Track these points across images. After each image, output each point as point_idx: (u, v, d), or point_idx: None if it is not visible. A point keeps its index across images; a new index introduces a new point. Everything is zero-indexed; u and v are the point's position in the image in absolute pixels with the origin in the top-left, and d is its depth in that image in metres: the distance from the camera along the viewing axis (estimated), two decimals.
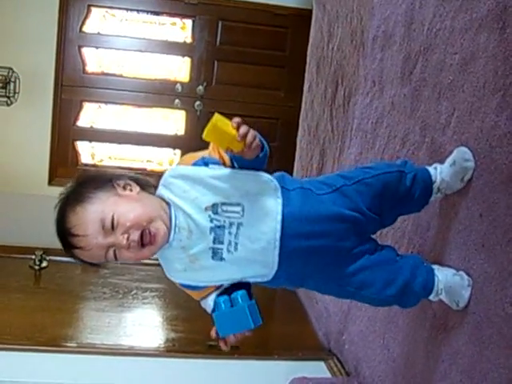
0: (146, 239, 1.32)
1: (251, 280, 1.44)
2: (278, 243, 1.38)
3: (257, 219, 1.36)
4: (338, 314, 2.75)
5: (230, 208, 1.35)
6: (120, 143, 4.83)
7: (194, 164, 1.37)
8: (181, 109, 4.78)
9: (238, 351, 2.78)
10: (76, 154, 4.79)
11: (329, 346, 2.92)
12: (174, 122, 4.85)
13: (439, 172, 1.64)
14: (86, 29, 4.59)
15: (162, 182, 1.40)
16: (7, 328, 2.90)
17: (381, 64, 2.39)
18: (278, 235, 1.37)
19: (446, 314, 1.72)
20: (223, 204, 1.35)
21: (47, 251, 3.80)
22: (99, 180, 1.39)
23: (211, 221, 1.35)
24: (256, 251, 1.38)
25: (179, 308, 3.29)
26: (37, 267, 3.92)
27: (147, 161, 4.88)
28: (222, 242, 1.36)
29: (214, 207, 1.34)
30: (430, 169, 1.66)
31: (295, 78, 4.39)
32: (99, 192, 1.34)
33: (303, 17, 4.38)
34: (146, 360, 2.77)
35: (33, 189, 4.52)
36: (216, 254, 1.37)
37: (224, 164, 1.37)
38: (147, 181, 1.44)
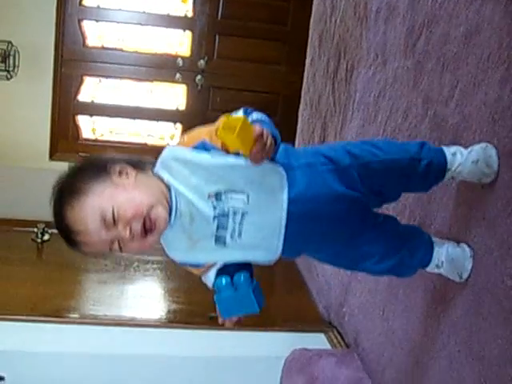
0: (147, 226, 1.28)
1: (253, 261, 1.43)
2: (283, 230, 1.35)
3: (262, 207, 1.32)
4: (339, 286, 2.76)
5: (234, 196, 1.30)
6: (121, 117, 4.82)
7: (195, 147, 1.30)
8: (182, 83, 4.76)
9: (239, 323, 2.81)
10: (77, 128, 4.77)
11: (329, 318, 2.95)
12: (174, 96, 4.83)
13: (458, 163, 1.54)
14: (85, 2, 4.54)
15: (160, 160, 1.35)
16: (11, 299, 2.93)
17: (384, 37, 2.38)
18: (283, 222, 1.34)
19: (445, 286, 1.73)
20: (227, 192, 1.30)
21: (49, 224, 3.81)
22: (93, 169, 1.32)
23: (214, 208, 1.30)
24: (260, 238, 1.35)
25: (180, 280, 3.32)
26: (39, 240, 3.94)
27: (148, 135, 4.87)
28: (225, 229, 1.32)
29: (218, 195, 1.30)
30: (448, 154, 1.56)
31: (297, 53, 4.36)
32: (94, 183, 1.28)
33: None
34: (148, 331, 2.79)
35: (34, 163, 4.52)
36: (219, 240, 1.34)
37: (227, 151, 1.29)
38: (143, 161, 1.38)
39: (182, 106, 4.84)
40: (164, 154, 1.34)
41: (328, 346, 2.73)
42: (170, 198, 1.32)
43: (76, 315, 2.90)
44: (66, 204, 1.27)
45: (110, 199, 1.26)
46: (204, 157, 1.29)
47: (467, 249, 1.61)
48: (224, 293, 1.34)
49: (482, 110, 1.59)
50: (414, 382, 1.93)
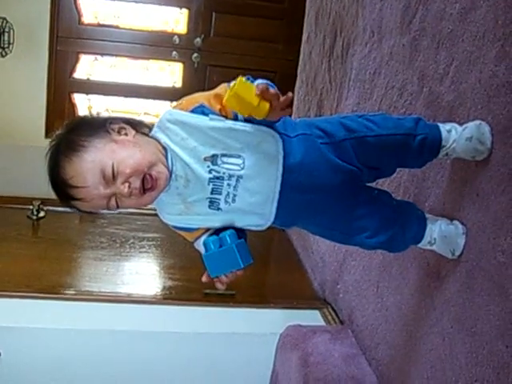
0: (147, 184, 1.29)
1: (246, 227, 1.43)
2: (277, 196, 1.36)
3: (257, 172, 1.33)
4: (333, 263, 2.78)
5: (230, 160, 1.31)
6: (117, 95, 4.80)
7: (193, 111, 1.30)
8: (178, 61, 4.74)
9: (234, 299, 2.83)
10: (73, 106, 4.76)
11: (323, 295, 2.96)
12: (171, 74, 4.81)
13: (453, 140, 1.54)
14: None
15: (158, 123, 1.35)
16: (6, 276, 2.94)
17: (380, 14, 2.36)
18: (277, 189, 1.35)
19: (438, 262, 1.74)
20: (223, 155, 1.31)
21: (45, 201, 3.82)
22: (92, 125, 1.33)
23: (210, 171, 1.31)
24: (254, 204, 1.36)
25: (176, 257, 3.33)
26: (34, 217, 3.95)
27: (144, 113, 4.86)
28: (220, 193, 1.34)
29: (214, 158, 1.31)
30: (443, 130, 1.55)
31: (294, 31, 4.33)
32: (94, 139, 1.29)
33: None
34: (144, 307, 2.80)
35: (30, 141, 4.49)
36: (213, 204, 1.35)
37: (225, 116, 1.31)
38: (141, 122, 1.40)
39: (179, 84, 4.83)
40: (162, 116, 1.35)
41: (322, 323, 2.75)
42: (167, 159, 1.33)
43: (72, 292, 2.92)
44: (65, 158, 1.27)
45: (111, 154, 1.27)
46: (202, 119, 1.30)
47: (460, 226, 1.61)
48: (210, 250, 1.33)
49: (476, 88, 1.59)
50: (406, 358, 1.95)
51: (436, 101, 1.82)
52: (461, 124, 1.59)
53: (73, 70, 4.66)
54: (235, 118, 1.31)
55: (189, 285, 3.02)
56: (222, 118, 1.30)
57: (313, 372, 2.20)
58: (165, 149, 1.34)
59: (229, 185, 1.33)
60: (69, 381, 2.47)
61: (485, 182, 1.52)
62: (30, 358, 2.49)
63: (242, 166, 1.32)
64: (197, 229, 1.43)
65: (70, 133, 1.32)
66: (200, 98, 1.33)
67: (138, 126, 1.36)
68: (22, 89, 4.55)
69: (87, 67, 4.70)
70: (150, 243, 3.54)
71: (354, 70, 2.67)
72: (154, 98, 4.83)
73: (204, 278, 1.35)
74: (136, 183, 1.28)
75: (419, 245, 1.63)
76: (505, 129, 1.45)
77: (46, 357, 2.52)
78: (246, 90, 1.18)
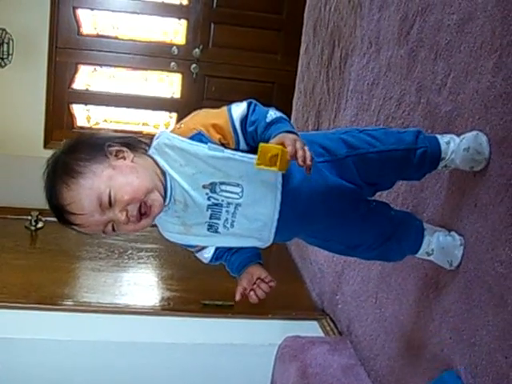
0: (142, 210, 1.28)
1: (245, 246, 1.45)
2: (275, 223, 1.36)
3: (256, 201, 1.33)
4: (332, 274, 2.77)
5: (228, 188, 1.31)
6: (116, 106, 4.81)
7: (191, 138, 1.28)
8: (177, 72, 4.75)
9: (232, 310, 2.82)
10: (71, 116, 4.77)
11: (322, 305, 2.96)
12: (169, 84, 4.82)
13: (451, 151, 1.55)
14: None
15: (155, 145, 1.34)
16: (4, 287, 2.92)
17: (378, 25, 2.38)
18: (275, 217, 1.35)
19: (437, 273, 1.74)
20: (222, 183, 1.30)
21: (43, 212, 3.81)
22: (90, 148, 1.31)
23: (208, 198, 1.31)
24: (252, 229, 1.37)
25: (174, 268, 3.32)
26: (33, 228, 3.93)
27: (143, 124, 4.87)
28: (218, 218, 1.34)
29: (213, 186, 1.30)
30: (442, 143, 1.56)
31: (292, 42, 4.34)
32: (92, 164, 1.27)
33: None
34: (142, 318, 2.79)
35: (28, 151, 4.49)
36: (211, 227, 1.36)
37: (224, 145, 1.29)
38: (139, 140, 1.38)
39: (177, 95, 4.84)
40: (160, 139, 1.33)
41: (321, 334, 2.74)
42: (165, 183, 1.32)
43: (70, 302, 2.90)
44: (62, 184, 1.26)
45: (108, 181, 1.25)
46: (200, 148, 1.28)
47: (457, 237, 1.62)
48: None
49: (474, 98, 1.59)
50: (405, 369, 1.94)
51: (434, 111, 1.82)
52: (458, 135, 1.59)
53: (72, 80, 4.67)
54: (236, 149, 1.30)
55: (187, 296, 3.01)
56: (221, 148, 1.28)
57: (311, 383, 2.20)
58: (163, 172, 1.32)
59: (227, 211, 1.33)
60: None
61: (483, 192, 1.53)
62: (28, 369, 2.49)
63: (240, 194, 1.32)
64: (197, 245, 1.45)
65: (67, 155, 1.30)
66: (198, 124, 1.30)
67: (136, 147, 1.34)
68: (21, 99, 4.56)
69: (86, 78, 4.71)
70: (149, 254, 3.53)
71: (352, 81, 2.68)
72: (152, 109, 4.84)
73: (237, 297, 1.39)
74: (133, 211, 1.27)
75: (417, 255, 1.64)
76: (502, 139, 1.45)
77: (43, 368, 2.51)
78: (284, 159, 1.16)
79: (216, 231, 1.36)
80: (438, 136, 1.60)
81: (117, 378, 2.57)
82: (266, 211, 1.34)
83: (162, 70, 4.76)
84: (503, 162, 1.45)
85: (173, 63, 4.69)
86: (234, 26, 4.72)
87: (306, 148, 1.18)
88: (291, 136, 1.19)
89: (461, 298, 1.60)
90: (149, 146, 1.36)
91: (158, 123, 4.87)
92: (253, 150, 1.28)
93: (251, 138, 1.30)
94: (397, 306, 2.04)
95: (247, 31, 4.73)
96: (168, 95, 4.84)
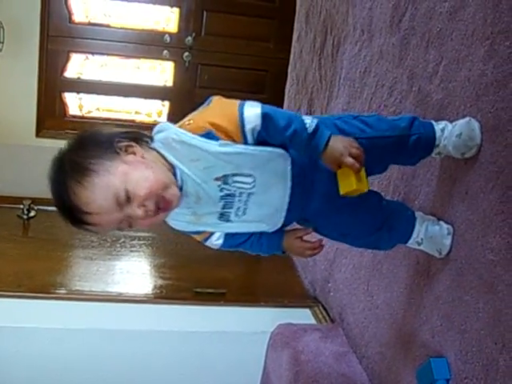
0: (161, 205, 1.26)
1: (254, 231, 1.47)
2: (285, 206, 1.39)
3: (267, 188, 1.35)
4: (324, 262, 2.78)
5: (240, 179, 1.31)
6: (108, 94, 4.79)
7: (201, 136, 1.27)
8: (169, 60, 4.73)
9: (224, 298, 2.83)
10: (64, 105, 4.74)
11: (314, 293, 2.97)
12: (162, 73, 4.80)
13: (445, 137, 1.56)
14: None
15: (162, 140, 1.32)
16: None
17: (370, 12, 2.37)
18: (286, 200, 1.38)
19: (428, 260, 1.75)
20: (234, 175, 1.31)
21: (35, 201, 3.80)
22: (98, 144, 1.27)
23: (221, 190, 1.32)
24: (263, 215, 1.40)
25: (166, 256, 3.32)
26: (25, 217, 3.92)
27: (135, 112, 4.85)
28: (230, 208, 1.36)
29: (225, 178, 1.30)
30: (437, 129, 1.58)
31: (285, 30, 4.32)
32: (104, 161, 1.24)
33: None
34: (134, 306, 2.80)
35: (20, 140, 4.47)
36: (223, 216, 1.37)
37: (233, 140, 1.28)
38: (142, 133, 1.35)
39: (170, 83, 4.81)
40: (166, 134, 1.31)
41: (313, 321, 2.76)
42: (175, 176, 1.30)
43: (62, 291, 2.90)
44: (76, 183, 1.22)
45: (124, 178, 1.23)
46: (211, 144, 1.27)
47: (445, 226, 1.63)
48: None
49: (465, 86, 1.60)
50: (397, 356, 1.96)
51: (425, 99, 1.82)
52: (451, 122, 1.60)
53: (64, 68, 4.64)
54: (245, 142, 1.30)
55: (179, 284, 3.02)
56: (231, 143, 1.28)
57: (304, 370, 2.21)
58: (171, 165, 1.31)
59: (240, 200, 1.35)
60: (60, 380, 2.47)
61: (474, 180, 1.53)
62: (21, 358, 2.49)
63: (252, 184, 1.33)
64: (205, 231, 1.45)
65: (75, 153, 1.26)
66: (206, 123, 1.28)
67: (142, 141, 1.32)
68: (13, 88, 4.52)
69: (78, 66, 4.68)
70: (141, 242, 3.53)
71: (344, 69, 2.67)
72: (145, 97, 4.81)
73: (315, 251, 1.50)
74: (151, 206, 1.25)
75: (407, 244, 1.65)
76: (493, 127, 1.46)
77: (37, 356, 2.51)
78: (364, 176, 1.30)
79: (227, 220, 1.38)
80: (434, 122, 1.61)
81: (110, 366, 2.58)
82: (278, 197, 1.38)
83: (155, 58, 4.73)
84: (494, 149, 1.45)
85: (165, 51, 4.66)
86: (226, 13, 4.70)
87: (356, 145, 1.31)
88: (346, 148, 1.30)
89: (452, 285, 1.61)
90: (151, 138, 1.34)
91: (151, 112, 4.85)
92: (260, 143, 1.31)
93: (262, 139, 1.31)
94: (388, 293, 2.05)
95: (240, 19, 4.70)
96: (160, 83, 4.82)
